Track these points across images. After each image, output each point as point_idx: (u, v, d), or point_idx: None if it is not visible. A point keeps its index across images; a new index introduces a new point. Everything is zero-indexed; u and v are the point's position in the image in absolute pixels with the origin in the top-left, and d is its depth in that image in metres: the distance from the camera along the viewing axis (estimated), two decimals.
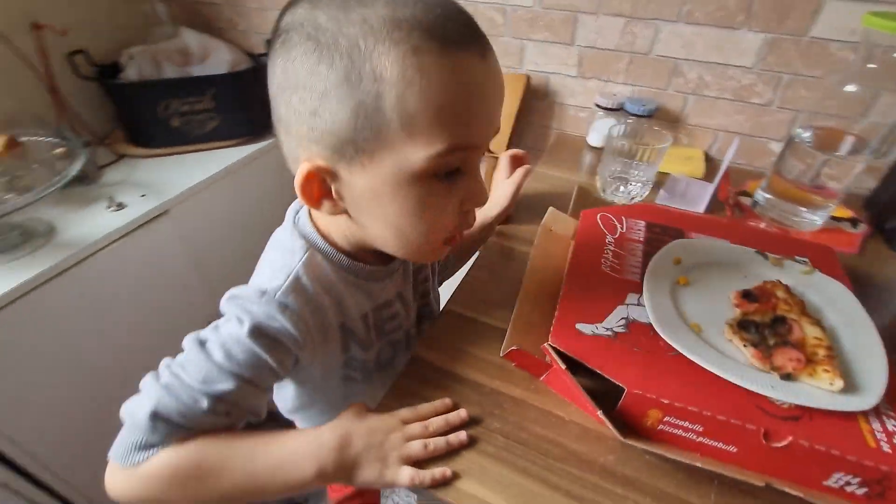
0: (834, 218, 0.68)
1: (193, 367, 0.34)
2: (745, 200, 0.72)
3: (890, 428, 0.35)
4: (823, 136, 0.63)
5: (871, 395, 0.36)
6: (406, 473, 0.35)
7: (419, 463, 0.36)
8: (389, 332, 0.47)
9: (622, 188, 0.70)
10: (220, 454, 0.34)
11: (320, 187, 0.34)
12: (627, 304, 0.45)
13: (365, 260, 0.42)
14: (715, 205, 0.69)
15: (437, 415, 0.40)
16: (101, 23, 1.03)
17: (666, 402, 0.36)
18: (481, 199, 0.37)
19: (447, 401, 0.41)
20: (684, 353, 0.39)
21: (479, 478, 0.36)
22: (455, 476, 0.36)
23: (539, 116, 0.93)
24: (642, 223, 0.57)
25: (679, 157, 0.80)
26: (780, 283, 0.46)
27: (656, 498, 0.36)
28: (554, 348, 0.40)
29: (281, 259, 0.39)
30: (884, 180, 0.70)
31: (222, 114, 1.03)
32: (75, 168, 0.74)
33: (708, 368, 0.38)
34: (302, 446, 0.36)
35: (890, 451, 0.34)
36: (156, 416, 0.32)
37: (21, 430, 0.74)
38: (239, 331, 0.34)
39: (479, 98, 0.32)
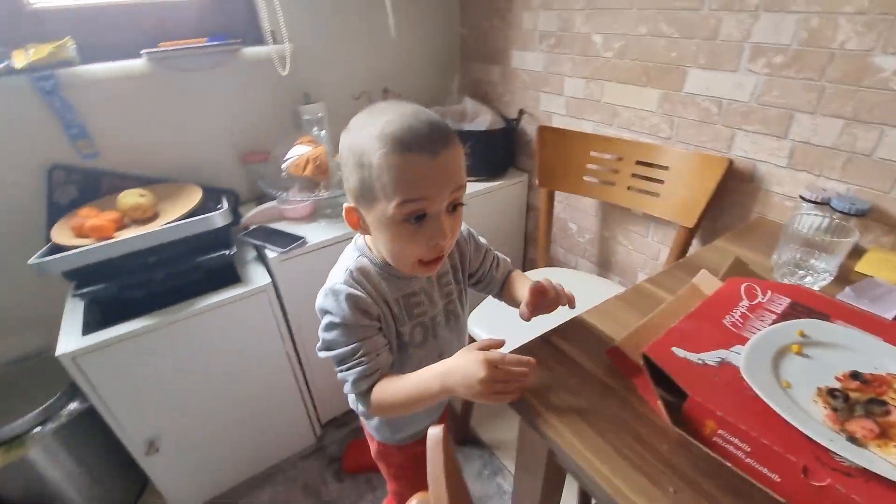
0: None
1: (336, 359, 0.61)
2: None
3: None
4: None
5: None
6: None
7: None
8: (417, 315, 0.66)
9: (795, 274, 0.72)
10: (398, 381, 0.59)
11: (356, 218, 0.58)
12: (730, 351, 0.53)
13: None
14: None
15: (517, 364, 0.53)
16: (419, 89, 1.55)
17: (720, 414, 0.45)
18: (438, 237, 0.55)
19: (531, 360, 0.53)
20: (755, 390, 0.46)
21: (573, 428, 0.52)
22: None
23: (740, 198, 0.98)
24: (787, 300, 0.61)
25: (891, 263, 0.75)
26: None
27: (693, 485, 0.45)
28: (645, 356, 0.52)
29: (343, 263, 0.63)
30: None
31: (474, 157, 1.39)
32: None
33: (774, 407, 0.44)
34: (431, 373, 0.57)
35: None
36: (354, 385, 0.60)
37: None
38: (334, 307, 0.59)
39: (424, 176, 0.51)
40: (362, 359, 0.59)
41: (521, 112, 1.45)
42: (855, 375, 0.47)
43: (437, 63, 1.58)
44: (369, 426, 0.82)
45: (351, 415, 1.51)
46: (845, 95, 0.78)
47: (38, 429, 1.06)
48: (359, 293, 0.59)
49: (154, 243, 0.97)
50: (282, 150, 1.19)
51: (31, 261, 0.90)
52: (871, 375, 0.47)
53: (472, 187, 1.40)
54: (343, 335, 0.60)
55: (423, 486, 0.85)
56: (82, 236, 0.98)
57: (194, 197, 1.11)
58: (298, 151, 1.13)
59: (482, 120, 1.42)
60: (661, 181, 1.09)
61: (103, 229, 0.97)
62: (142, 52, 1.09)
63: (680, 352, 0.53)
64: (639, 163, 1.12)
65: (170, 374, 1.05)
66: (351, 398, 0.63)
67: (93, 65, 1.06)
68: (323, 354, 0.62)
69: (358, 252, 0.64)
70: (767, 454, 0.42)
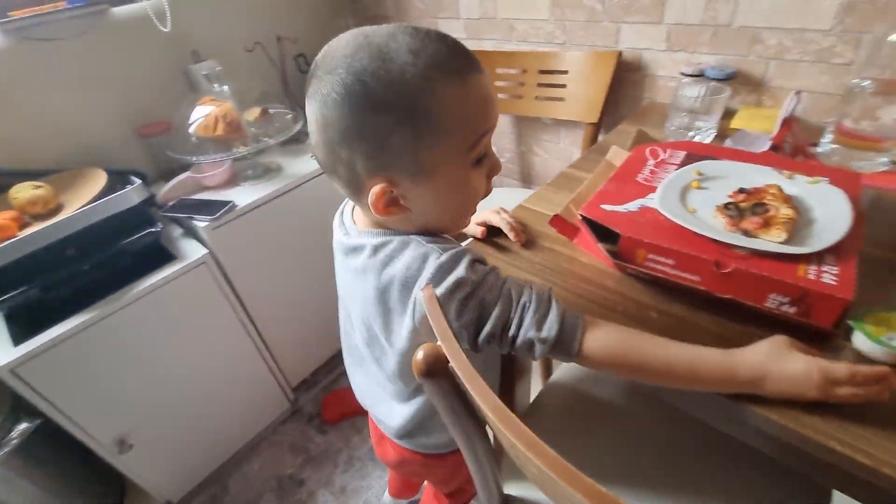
0: None
1: (524, 303, 0.45)
2: (813, 150, 0.80)
3: (823, 269, 0.48)
4: (883, 85, 0.70)
5: (811, 248, 0.50)
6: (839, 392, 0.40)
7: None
8: None
9: (686, 136, 0.84)
10: (658, 339, 0.45)
11: (389, 198, 0.44)
12: (646, 198, 0.63)
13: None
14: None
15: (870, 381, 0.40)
16: (316, 34, 1.49)
17: (647, 241, 0.54)
18: (496, 167, 0.48)
19: (887, 371, 0.40)
20: (669, 217, 0.56)
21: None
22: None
23: (632, 88, 1.09)
24: (683, 153, 0.72)
25: (757, 116, 0.90)
26: (777, 186, 0.59)
27: (636, 304, 0.55)
28: (583, 216, 0.61)
29: (421, 254, 0.46)
30: None
31: None
32: (298, 125, 1.15)
33: (684, 225, 0.55)
34: (737, 359, 0.43)
35: (812, 279, 0.47)
36: (557, 306, 0.45)
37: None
38: (465, 274, 0.43)
39: (488, 98, 0.43)
40: (531, 285, 0.46)
41: None
42: (741, 191, 0.59)
43: (327, 3, 1.52)
44: (418, 444, 0.67)
45: (320, 372, 1.53)
46: None
47: None
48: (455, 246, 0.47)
49: (68, 233, 0.90)
50: (183, 116, 1.11)
51: None
52: (753, 189, 0.59)
53: None
54: (493, 284, 0.45)
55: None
56: None
57: (99, 181, 1.02)
58: (203, 112, 1.07)
59: None
60: (563, 86, 1.17)
61: (6, 228, 0.88)
62: None
63: (608, 207, 0.62)
64: (541, 72, 1.20)
65: (123, 366, 1.01)
66: (545, 334, 0.44)
67: None
68: (487, 329, 0.44)
69: (424, 240, 0.47)
70: (687, 261, 0.53)
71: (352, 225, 0.53)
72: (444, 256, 0.44)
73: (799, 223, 0.54)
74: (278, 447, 1.36)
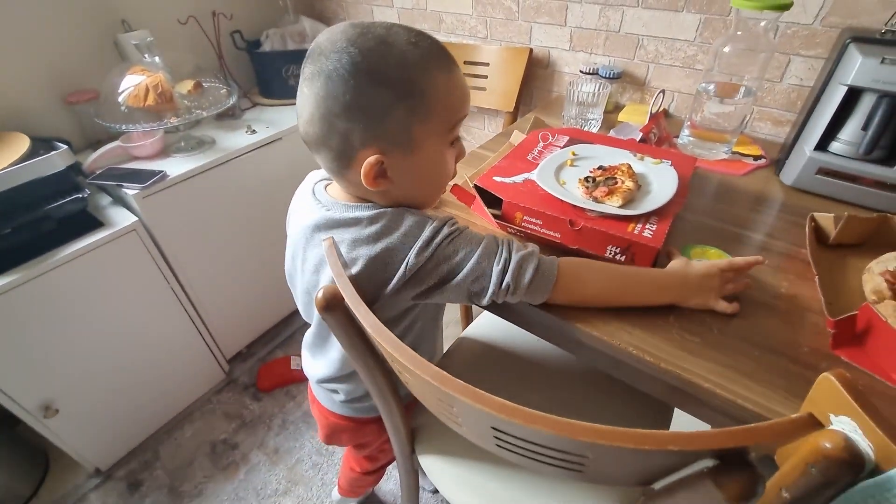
0: (740, 153, 0.91)
1: (482, 263, 0.52)
2: (675, 140, 0.96)
3: (646, 227, 0.62)
4: (723, 88, 0.86)
5: (639, 211, 0.64)
6: (722, 304, 0.56)
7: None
8: None
9: (578, 124, 0.98)
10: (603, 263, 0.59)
11: (378, 170, 0.50)
12: (530, 173, 0.75)
13: None
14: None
15: (745, 266, 0.58)
16: (252, 11, 1.51)
17: (522, 205, 0.67)
18: (463, 152, 0.58)
19: (760, 259, 0.58)
20: (541, 186, 0.69)
21: None
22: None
23: (542, 82, 1.22)
24: (566, 137, 0.85)
25: (638, 111, 1.06)
26: (629, 165, 0.73)
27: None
28: (476, 186, 0.72)
29: (402, 224, 0.52)
30: (791, 130, 0.90)
31: None
32: (232, 99, 1.20)
33: (552, 193, 0.67)
34: (664, 273, 0.58)
35: (636, 234, 0.61)
36: (530, 257, 0.54)
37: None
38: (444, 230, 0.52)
39: (465, 89, 0.52)
40: (505, 238, 0.55)
41: None
42: (600, 168, 0.73)
43: None
44: (348, 405, 0.75)
45: (256, 345, 1.58)
46: None
47: None
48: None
49: None
50: (112, 85, 1.12)
51: None
52: (609, 166, 0.73)
53: None
54: (465, 242, 0.53)
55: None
56: None
57: (20, 145, 1.02)
58: (134, 81, 1.08)
59: None
60: (484, 76, 1.29)
61: None
62: None
63: (498, 178, 0.74)
64: (466, 62, 1.31)
65: (50, 331, 1.02)
66: (521, 278, 0.53)
67: None
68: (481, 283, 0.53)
69: (403, 211, 0.54)
70: (550, 221, 0.66)
71: (331, 200, 0.57)
72: (437, 221, 0.53)
73: (638, 193, 0.68)
74: (212, 415, 1.40)
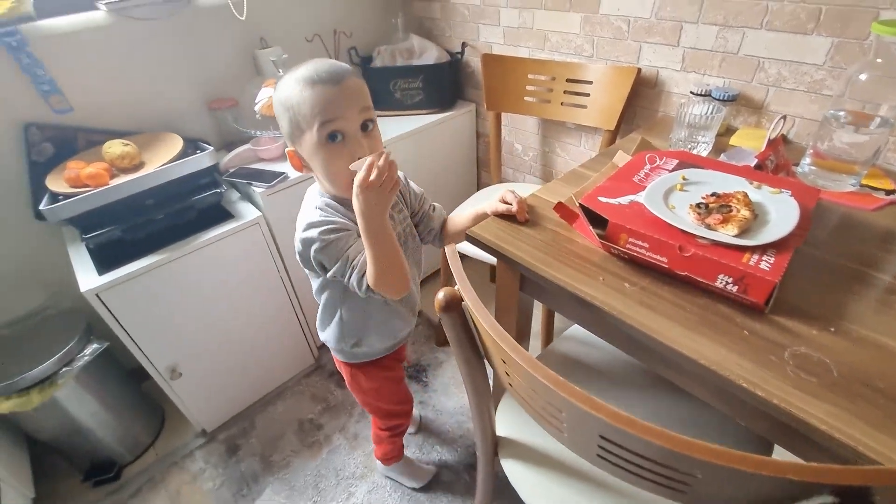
0: (870, 186, 0.84)
1: (340, 266, 0.72)
2: (795, 169, 0.90)
3: (763, 258, 0.60)
4: (855, 116, 0.80)
5: (756, 242, 0.62)
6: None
7: None
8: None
9: (686, 148, 0.96)
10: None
11: (298, 160, 0.72)
12: (637, 195, 0.75)
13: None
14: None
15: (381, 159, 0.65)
16: (367, 30, 1.64)
17: (629, 227, 0.67)
18: (360, 152, 0.68)
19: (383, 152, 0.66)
20: (649, 209, 0.69)
21: (537, 258, 0.73)
22: None
23: (648, 101, 1.21)
24: (676, 160, 0.84)
25: (753, 136, 1.01)
26: (744, 192, 0.71)
27: (615, 276, 0.68)
28: (581, 205, 0.74)
29: (311, 203, 0.75)
30: None
31: (426, 91, 1.54)
32: None
33: (661, 217, 0.67)
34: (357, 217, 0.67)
35: (752, 265, 0.60)
36: (361, 281, 0.71)
37: None
38: (321, 237, 0.70)
39: (331, 100, 0.65)
40: (355, 262, 0.72)
41: (464, 45, 1.59)
42: (713, 194, 0.71)
43: (381, 3, 1.67)
44: (335, 350, 0.93)
45: None
46: (718, 6, 1.00)
47: (64, 369, 1.16)
48: (333, 218, 0.72)
49: (152, 185, 1.07)
50: (248, 95, 1.28)
51: (42, 206, 0.98)
52: (724, 193, 0.71)
53: (425, 119, 1.55)
54: (334, 248, 0.71)
55: (393, 400, 1.06)
56: (78, 186, 1.06)
57: (176, 144, 1.20)
58: (268, 93, 1.23)
59: (429, 55, 1.55)
60: (587, 94, 1.29)
61: (100, 177, 1.05)
62: (98, 2, 1.13)
63: (603, 199, 0.75)
64: (568, 80, 1.32)
65: (180, 305, 1.18)
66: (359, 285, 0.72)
67: (52, 19, 1.09)
68: (330, 274, 0.74)
69: (318, 194, 0.76)
70: (658, 245, 0.66)
71: None
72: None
73: (755, 223, 0.66)
74: (301, 395, 1.53)
